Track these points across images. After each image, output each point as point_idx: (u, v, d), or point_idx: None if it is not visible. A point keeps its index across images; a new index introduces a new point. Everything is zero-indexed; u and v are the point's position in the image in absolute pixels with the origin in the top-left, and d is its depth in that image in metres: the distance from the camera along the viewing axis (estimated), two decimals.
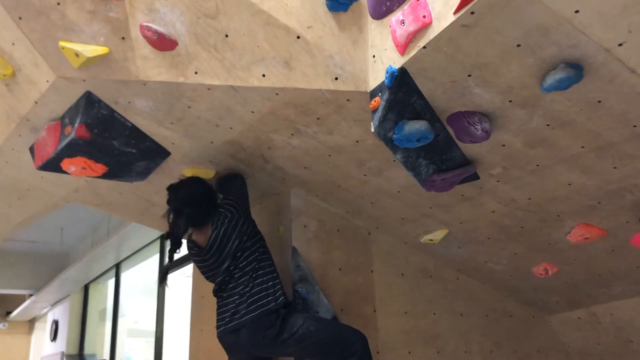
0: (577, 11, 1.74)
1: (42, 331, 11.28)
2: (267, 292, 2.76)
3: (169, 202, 2.95)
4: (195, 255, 2.99)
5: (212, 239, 2.86)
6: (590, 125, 2.27)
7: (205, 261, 2.94)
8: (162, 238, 5.87)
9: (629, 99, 2.08)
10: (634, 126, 2.23)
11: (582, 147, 2.42)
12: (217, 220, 2.87)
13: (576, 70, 1.95)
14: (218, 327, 2.86)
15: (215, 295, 2.95)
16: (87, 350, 8.84)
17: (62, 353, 8.85)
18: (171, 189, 2.99)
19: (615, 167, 2.51)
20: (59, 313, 9.65)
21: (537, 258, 3.43)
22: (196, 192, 2.98)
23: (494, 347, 3.81)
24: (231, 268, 2.84)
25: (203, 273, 3.01)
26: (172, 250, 2.91)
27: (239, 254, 2.84)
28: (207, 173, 3.18)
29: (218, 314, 2.88)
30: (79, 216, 6.65)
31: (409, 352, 3.43)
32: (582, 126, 2.28)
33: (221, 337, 2.87)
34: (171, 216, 2.91)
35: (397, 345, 3.39)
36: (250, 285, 2.78)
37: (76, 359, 8.83)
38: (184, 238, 2.97)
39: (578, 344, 4.10)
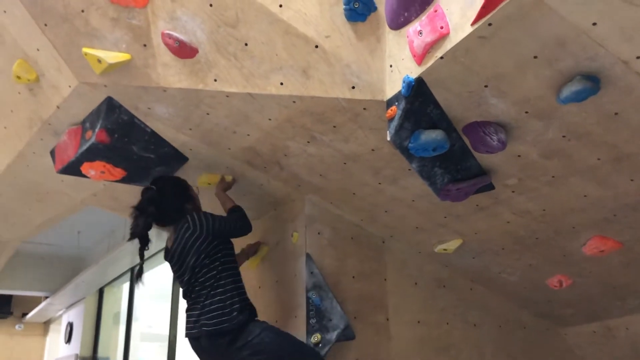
0: (594, 24, 1.74)
1: (57, 333, 11.37)
2: (223, 312, 2.76)
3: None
4: (164, 255, 3.04)
5: (175, 246, 2.89)
6: (606, 137, 2.27)
7: (171, 265, 2.98)
8: None
9: None
10: None
11: (598, 159, 2.41)
12: (180, 228, 2.87)
13: (593, 82, 1.95)
14: (185, 329, 2.93)
15: (184, 298, 3.00)
16: (101, 353, 8.90)
17: (76, 355, 8.92)
18: (144, 189, 2.98)
19: (632, 180, 2.50)
20: (74, 315, 9.74)
21: (551, 270, 3.41)
22: (164, 191, 2.95)
23: (507, 359, 3.79)
24: (192, 281, 2.88)
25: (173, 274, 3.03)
26: (141, 249, 2.89)
27: (197, 270, 2.85)
28: (226, 177, 3.22)
29: (186, 317, 2.94)
30: (95, 220, 6.72)
31: None
32: (599, 138, 2.28)
33: (188, 340, 2.94)
34: (136, 213, 2.88)
35: (410, 354, 3.39)
36: (209, 300, 2.81)
37: None
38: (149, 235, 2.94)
39: (593, 357, 4.05)
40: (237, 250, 3.13)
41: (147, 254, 2.93)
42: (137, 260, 2.95)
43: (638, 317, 3.65)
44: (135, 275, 2.99)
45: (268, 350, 2.72)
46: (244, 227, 3.05)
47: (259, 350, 2.71)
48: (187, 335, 2.93)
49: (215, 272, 2.85)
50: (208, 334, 2.78)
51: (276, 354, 2.74)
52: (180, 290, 3.04)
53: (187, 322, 2.92)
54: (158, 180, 3.00)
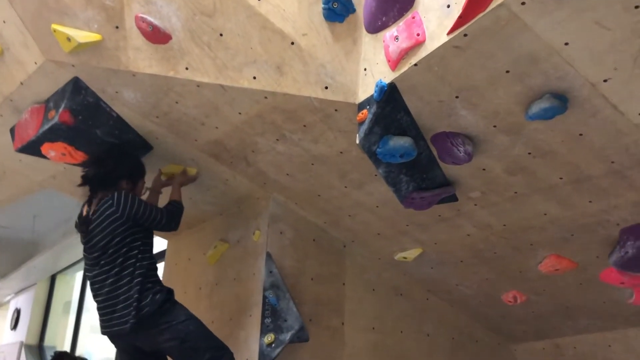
0: (566, 43, 1.78)
1: (3, 319, 11.03)
2: (143, 300, 2.66)
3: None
4: (77, 223, 2.91)
5: (94, 218, 2.76)
6: (570, 157, 2.31)
7: (82, 236, 2.86)
8: None
9: (609, 134, 2.13)
10: (612, 162, 2.27)
11: (561, 179, 2.46)
12: (104, 203, 2.75)
13: (561, 101, 1.99)
14: (104, 326, 2.79)
15: (91, 282, 2.84)
16: (48, 342, 8.65)
17: (22, 343, 8.65)
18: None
19: (590, 201, 2.55)
20: (22, 302, 9.45)
21: (507, 285, 3.46)
22: (124, 158, 2.89)
23: None
24: (104, 266, 2.74)
25: (84, 262, 2.91)
26: (90, 197, 2.85)
27: (111, 255, 2.73)
28: (189, 171, 3.17)
29: (104, 311, 2.77)
30: (53, 205, 6.54)
31: None
32: (563, 157, 2.32)
33: (109, 337, 2.85)
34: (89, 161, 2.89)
35: None
36: (129, 294, 2.67)
37: (35, 350, 8.63)
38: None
39: None
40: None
41: None
42: None
43: (587, 337, 3.72)
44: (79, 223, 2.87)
45: (189, 339, 2.67)
46: (169, 223, 2.90)
47: (180, 337, 2.66)
48: (108, 333, 2.79)
49: (133, 260, 2.72)
50: (132, 328, 2.64)
51: (195, 345, 2.69)
52: (84, 271, 2.89)
53: (106, 318, 2.76)
54: (125, 150, 2.92)
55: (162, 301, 2.69)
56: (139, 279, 2.69)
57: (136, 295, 2.65)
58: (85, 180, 2.84)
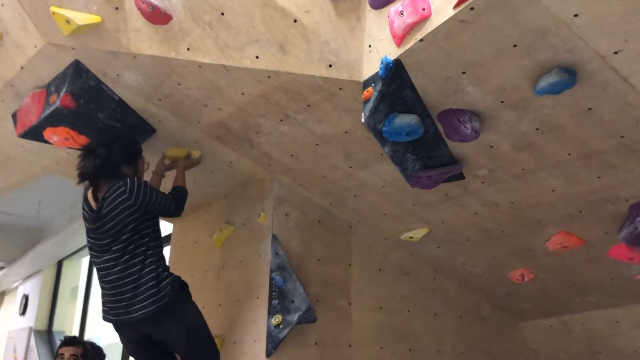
0: (576, 15, 1.73)
1: (12, 305, 11.11)
2: (159, 289, 2.67)
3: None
4: (85, 219, 2.84)
5: (104, 207, 2.71)
6: (578, 133, 2.28)
7: (91, 225, 2.79)
8: None
9: (619, 108, 2.09)
10: (622, 137, 2.24)
11: (569, 154, 2.42)
12: (114, 190, 2.70)
13: (570, 75, 1.95)
14: (112, 314, 2.77)
15: (99, 268, 2.81)
16: (56, 327, 8.73)
17: (31, 328, 8.72)
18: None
19: (599, 177, 2.52)
20: (30, 288, 9.51)
21: (514, 263, 3.44)
22: (116, 143, 2.79)
23: (465, 349, 3.83)
24: (115, 253, 2.72)
25: (89, 248, 2.86)
26: (94, 191, 2.75)
27: (123, 242, 2.70)
28: (193, 154, 3.14)
29: (111, 299, 2.76)
30: (57, 191, 6.55)
31: (381, 348, 3.43)
32: (571, 133, 2.29)
33: (115, 325, 2.85)
34: (84, 154, 2.78)
35: (369, 340, 3.39)
36: (142, 281, 2.67)
37: (44, 335, 8.71)
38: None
39: (547, 351, 4.13)
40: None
41: None
42: None
43: (594, 313, 3.72)
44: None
45: (196, 331, 2.75)
46: (176, 210, 2.89)
47: (193, 328, 2.73)
48: (113, 321, 2.77)
49: (144, 248, 2.72)
50: (144, 317, 2.64)
51: (200, 337, 2.77)
52: (90, 257, 2.87)
53: (114, 306, 2.73)
54: (115, 133, 2.85)
55: (178, 290, 2.71)
56: (152, 266, 2.70)
57: (152, 283, 2.65)
58: (84, 176, 2.77)
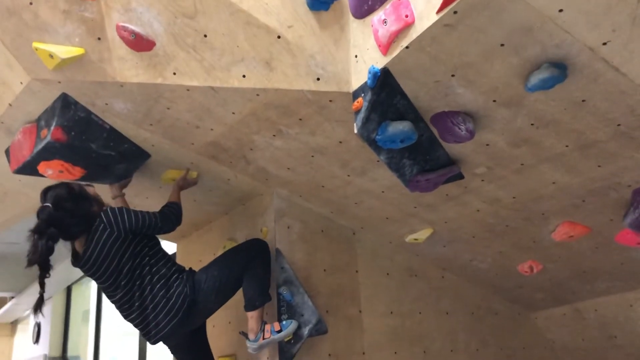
0: (560, 10, 1.71)
1: (25, 333, 11.12)
2: (176, 296, 2.72)
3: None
4: (82, 269, 2.75)
5: (90, 250, 2.64)
6: (574, 125, 2.25)
7: (85, 270, 2.74)
8: None
9: (613, 97, 2.07)
10: (618, 125, 2.21)
11: (567, 146, 2.40)
12: (95, 231, 2.63)
13: (560, 69, 1.92)
14: (147, 336, 2.84)
15: (118, 305, 2.82)
16: (71, 352, 8.74)
17: (45, 355, 8.74)
18: (39, 209, 2.64)
19: (599, 166, 2.50)
20: (41, 315, 9.54)
21: (522, 256, 3.42)
22: (62, 205, 2.62)
23: (479, 345, 3.81)
24: (125, 286, 2.72)
25: (102, 290, 2.84)
26: (41, 277, 2.58)
27: (125, 274, 2.69)
28: (190, 174, 3.12)
29: (138, 324, 2.82)
30: None
31: (395, 353, 3.41)
32: (567, 125, 2.26)
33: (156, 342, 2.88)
34: (35, 237, 2.56)
35: (383, 345, 3.37)
36: (157, 299, 2.71)
37: None
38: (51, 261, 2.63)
39: (563, 339, 4.11)
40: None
41: None
42: None
43: (607, 298, 3.70)
44: (34, 307, 2.67)
45: (224, 277, 2.82)
46: (165, 226, 2.79)
47: (217, 284, 2.80)
48: (159, 338, 2.81)
49: (148, 267, 2.71)
50: (175, 327, 2.73)
51: (230, 274, 2.85)
52: (105, 294, 2.86)
53: (148, 329, 2.78)
54: (48, 195, 2.66)
55: (186, 281, 2.75)
56: (162, 281, 2.73)
57: (166, 296, 2.71)
58: (67, 239, 2.69)
